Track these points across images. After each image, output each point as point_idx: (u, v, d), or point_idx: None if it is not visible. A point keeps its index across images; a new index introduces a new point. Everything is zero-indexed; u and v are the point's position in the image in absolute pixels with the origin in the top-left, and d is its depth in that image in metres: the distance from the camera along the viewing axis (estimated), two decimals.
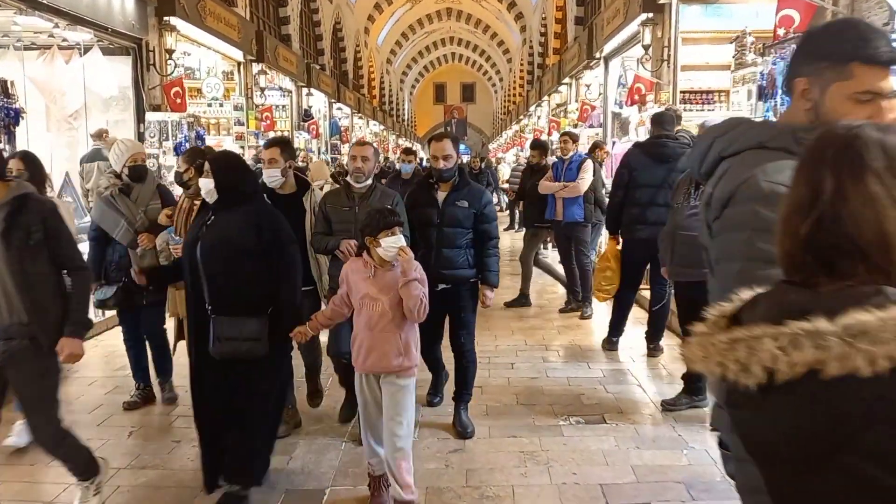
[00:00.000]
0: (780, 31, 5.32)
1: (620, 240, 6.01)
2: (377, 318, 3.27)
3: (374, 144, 5.41)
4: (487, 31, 38.77)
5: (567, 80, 16.99)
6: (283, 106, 17.54)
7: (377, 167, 4.21)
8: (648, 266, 6.05)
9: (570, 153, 7.66)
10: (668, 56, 9.28)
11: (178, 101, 9.63)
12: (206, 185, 3.35)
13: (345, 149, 22.86)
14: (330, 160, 20.46)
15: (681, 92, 9.07)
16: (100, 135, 8.73)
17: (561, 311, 7.67)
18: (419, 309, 3.26)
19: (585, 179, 7.44)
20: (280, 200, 4.04)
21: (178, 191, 5.26)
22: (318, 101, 20.65)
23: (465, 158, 19.77)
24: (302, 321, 3.46)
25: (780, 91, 4.93)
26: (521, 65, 31.26)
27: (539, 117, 22.34)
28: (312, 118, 18.39)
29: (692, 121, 9.06)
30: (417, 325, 3.43)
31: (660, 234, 4.71)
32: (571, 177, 7.49)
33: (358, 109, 26.60)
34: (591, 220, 7.71)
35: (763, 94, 5.12)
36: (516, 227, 17.53)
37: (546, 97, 20.39)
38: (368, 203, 3.99)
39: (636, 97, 9.83)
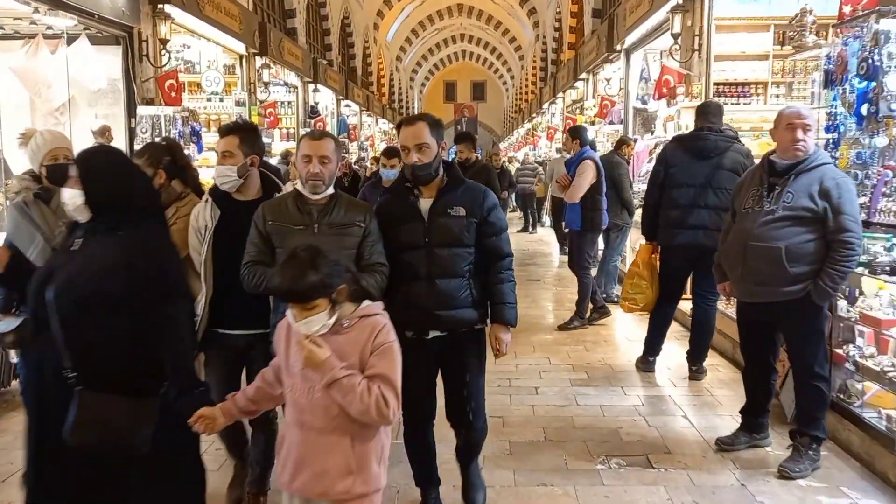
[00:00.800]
0: (847, 9, 4.61)
1: (658, 246, 5.34)
2: (312, 412, 2.13)
3: (337, 136, 4.39)
4: (499, 28, 38.06)
5: (584, 75, 16.29)
6: (289, 102, 16.95)
7: (341, 169, 3.10)
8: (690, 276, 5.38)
9: (575, 151, 6.95)
10: (700, 45, 8.57)
11: (173, 94, 9.00)
12: (72, 197, 2.31)
13: (352, 147, 22.23)
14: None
15: (714, 84, 8.36)
16: (102, 132, 8.12)
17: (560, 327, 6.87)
18: (371, 413, 2.09)
19: (576, 185, 6.67)
20: (238, 209, 3.06)
21: None
22: (325, 98, 20.01)
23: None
24: (208, 400, 2.32)
25: (850, 75, 4.22)
26: (534, 61, 30.54)
27: (553, 114, 21.63)
28: (319, 115, 17.74)
29: (726, 115, 8.36)
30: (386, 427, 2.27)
31: (721, 245, 3.94)
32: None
33: (367, 107, 25.95)
34: (590, 226, 6.80)
35: (830, 79, 4.41)
36: (530, 228, 16.87)
37: (561, 94, 19.69)
38: (330, 219, 2.88)
39: (664, 90, 9.11)
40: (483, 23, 38.62)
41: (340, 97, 21.59)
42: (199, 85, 12.13)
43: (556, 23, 22.86)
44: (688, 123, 7.82)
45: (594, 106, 14.98)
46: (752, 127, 8.19)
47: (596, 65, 14.75)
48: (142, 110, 8.54)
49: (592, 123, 14.10)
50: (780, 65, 8.38)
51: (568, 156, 7.38)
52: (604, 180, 6.81)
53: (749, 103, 8.43)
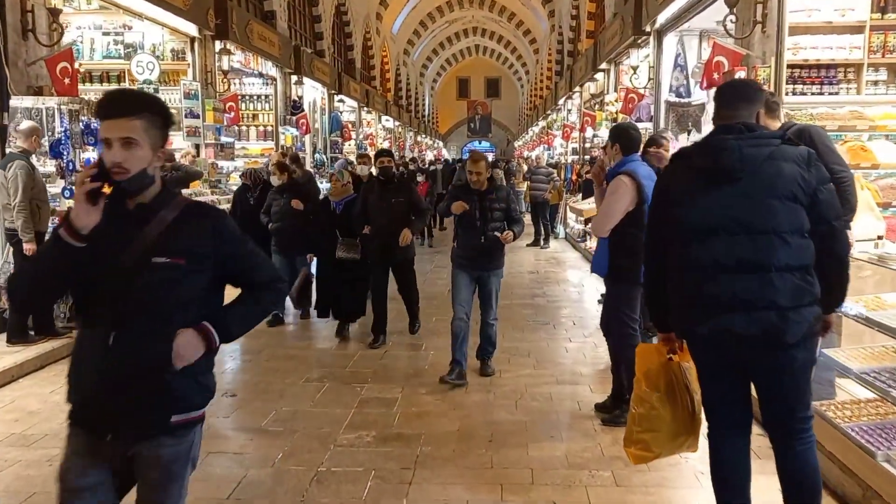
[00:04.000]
0: None
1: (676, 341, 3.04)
2: None
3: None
4: (513, 20, 35.86)
5: (604, 65, 14.06)
6: (267, 96, 14.84)
7: None
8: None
9: (615, 161, 4.70)
10: (765, 15, 6.31)
11: (67, 80, 6.86)
12: None
13: (347, 146, 20.08)
14: (327, 161, 17.69)
15: (788, 66, 6.10)
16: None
17: (602, 414, 4.67)
18: None
19: (604, 212, 4.49)
20: None
21: None
22: (314, 92, 17.88)
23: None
24: None
25: None
26: (549, 54, 28.27)
27: (569, 111, 19.35)
28: (303, 111, 15.59)
29: (804, 109, 6.11)
30: None
31: None
32: None
33: (366, 103, 23.74)
34: (624, 276, 4.51)
35: None
36: (542, 242, 14.59)
37: (578, 87, 17.42)
38: None
39: (715, 76, 6.85)
40: (496, 14, 36.44)
41: (332, 91, 19.42)
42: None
43: (574, 10, 20.59)
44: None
45: (616, 100, 12.75)
46: (840, 126, 5.91)
47: (619, 52, 12.52)
48: (17, 102, 6.41)
49: (615, 120, 11.87)
50: (881, 39, 6.10)
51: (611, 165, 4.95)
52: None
53: (836, 93, 6.15)
